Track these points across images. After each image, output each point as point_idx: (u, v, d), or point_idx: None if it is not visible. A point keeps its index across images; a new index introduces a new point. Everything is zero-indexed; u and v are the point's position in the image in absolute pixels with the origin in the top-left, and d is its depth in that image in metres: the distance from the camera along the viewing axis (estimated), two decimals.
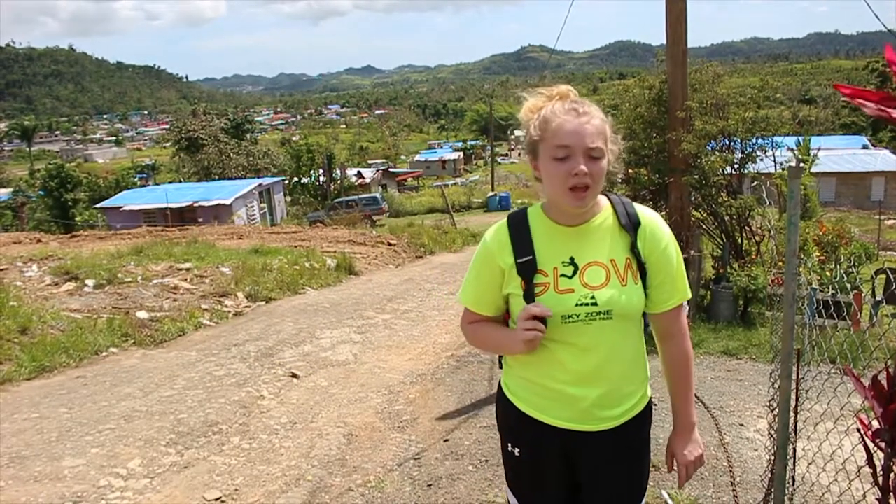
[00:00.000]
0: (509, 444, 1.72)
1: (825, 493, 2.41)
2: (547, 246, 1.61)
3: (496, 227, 1.68)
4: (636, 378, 1.66)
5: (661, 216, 1.93)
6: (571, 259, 1.59)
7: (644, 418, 1.69)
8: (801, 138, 9.21)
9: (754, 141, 7.54)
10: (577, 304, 1.56)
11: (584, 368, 1.58)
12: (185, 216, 24.88)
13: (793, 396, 2.59)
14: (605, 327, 1.57)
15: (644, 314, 1.69)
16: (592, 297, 1.56)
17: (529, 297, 1.59)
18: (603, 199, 1.65)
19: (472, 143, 72.53)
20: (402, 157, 68.02)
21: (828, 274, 6.11)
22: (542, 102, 1.62)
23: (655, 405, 1.89)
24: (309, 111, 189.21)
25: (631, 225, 1.62)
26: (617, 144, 1.61)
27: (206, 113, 56.66)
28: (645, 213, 1.66)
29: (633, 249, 1.60)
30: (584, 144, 1.51)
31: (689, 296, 1.71)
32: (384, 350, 6.06)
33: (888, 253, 15.99)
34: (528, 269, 1.59)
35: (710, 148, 7.44)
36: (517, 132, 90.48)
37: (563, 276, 1.58)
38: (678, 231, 6.82)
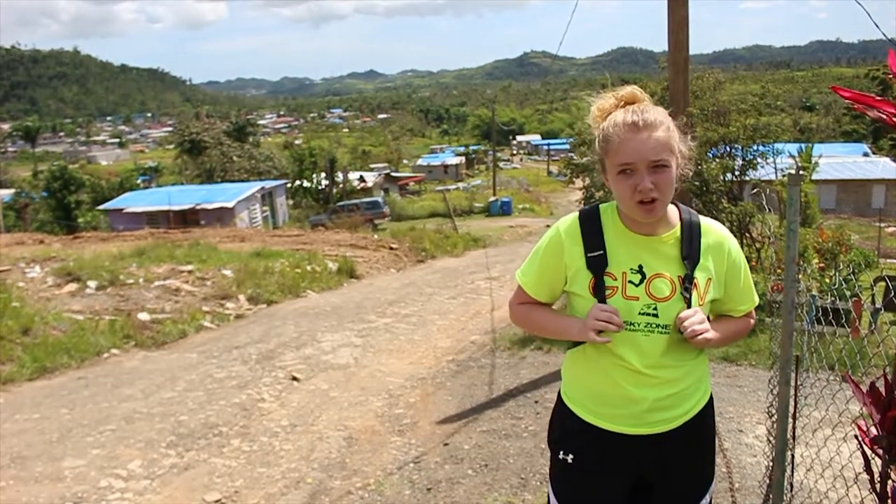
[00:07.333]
0: (561, 452, 1.70)
1: (823, 500, 2.41)
2: (618, 248, 1.60)
3: (569, 219, 1.68)
4: (696, 379, 1.66)
5: None
6: (640, 267, 1.58)
7: (706, 413, 1.68)
8: (801, 145, 9.24)
9: (755, 148, 7.56)
10: (640, 313, 1.57)
11: (644, 369, 1.58)
12: (187, 218, 24.93)
13: (791, 403, 2.60)
14: (664, 339, 1.58)
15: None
16: (655, 309, 1.56)
17: (600, 293, 1.58)
18: (675, 216, 1.64)
19: (475, 147, 72.48)
20: (405, 161, 67.98)
21: (827, 281, 6.11)
22: (610, 106, 1.60)
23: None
24: (312, 115, 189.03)
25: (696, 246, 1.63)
26: (686, 145, 1.60)
27: (209, 116, 56.82)
28: (710, 232, 1.65)
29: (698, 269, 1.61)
30: (646, 159, 1.50)
31: (756, 303, 1.73)
32: (385, 354, 6.07)
33: (888, 260, 15.95)
34: (598, 265, 1.59)
35: (710, 155, 7.47)
36: (519, 138, 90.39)
37: (630, 282, 1.58)
38: None
